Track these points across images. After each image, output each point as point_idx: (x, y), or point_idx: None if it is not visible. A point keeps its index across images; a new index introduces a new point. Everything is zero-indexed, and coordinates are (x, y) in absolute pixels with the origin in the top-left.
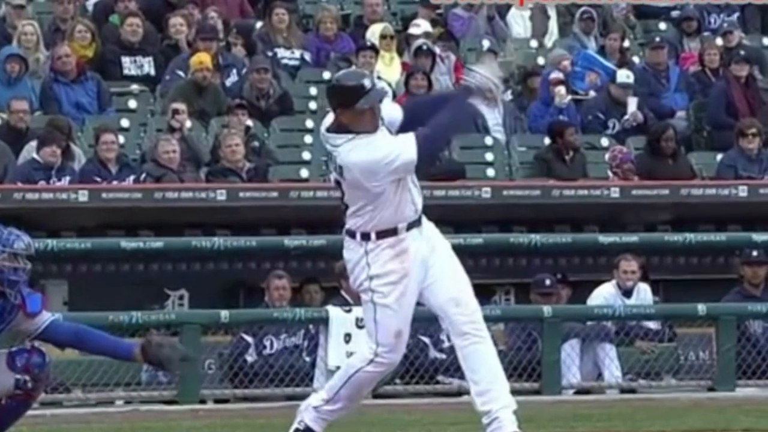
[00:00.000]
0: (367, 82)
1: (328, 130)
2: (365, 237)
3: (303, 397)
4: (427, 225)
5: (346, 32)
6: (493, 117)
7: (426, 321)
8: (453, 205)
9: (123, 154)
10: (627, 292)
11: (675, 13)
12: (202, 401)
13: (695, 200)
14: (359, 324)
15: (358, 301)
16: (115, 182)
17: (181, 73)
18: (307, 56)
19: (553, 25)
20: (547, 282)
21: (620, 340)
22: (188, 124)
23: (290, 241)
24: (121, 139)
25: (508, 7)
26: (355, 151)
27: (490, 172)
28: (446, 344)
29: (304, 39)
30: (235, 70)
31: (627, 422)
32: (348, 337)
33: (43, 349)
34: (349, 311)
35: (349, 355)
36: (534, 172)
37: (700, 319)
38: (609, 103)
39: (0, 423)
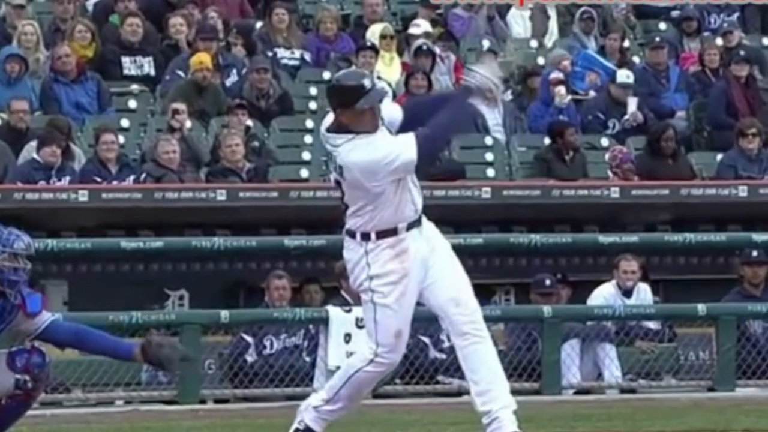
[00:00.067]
0: (367, 82)
1: (328, 130)
2: (365, 237)
3: (303, 397)
4: (427, 225)
5: (346, 32)
6: (493, 117)
7: (426, 321)
8: (453, 205)
9: (123, 154)
10: (627, 292)
11: (675, 13)
12: (202, 401)
13: (695, 200)
14: (359, 324)
15: (358, 301)
16: (115, 182)
17: (181, 73)
18: (307, 56)
19: (553, 25)
20: (547, 282)
21: (620, 340)
22: (188, 124)
23: (290, 241)
24: (121, 139)
25: (508, 7)
26: (355, 151)
27: (490, 172)
28: (446, 344)
29: (304, 39)
30: (235, 70)
31: (627, 422)
32: (348, 337)
33: (43, 349)
34: (349, 311)
35: (349, 355)
36: (534, 172)
37: (700, 319)
38: (609, 103)
39: (0, 423)
